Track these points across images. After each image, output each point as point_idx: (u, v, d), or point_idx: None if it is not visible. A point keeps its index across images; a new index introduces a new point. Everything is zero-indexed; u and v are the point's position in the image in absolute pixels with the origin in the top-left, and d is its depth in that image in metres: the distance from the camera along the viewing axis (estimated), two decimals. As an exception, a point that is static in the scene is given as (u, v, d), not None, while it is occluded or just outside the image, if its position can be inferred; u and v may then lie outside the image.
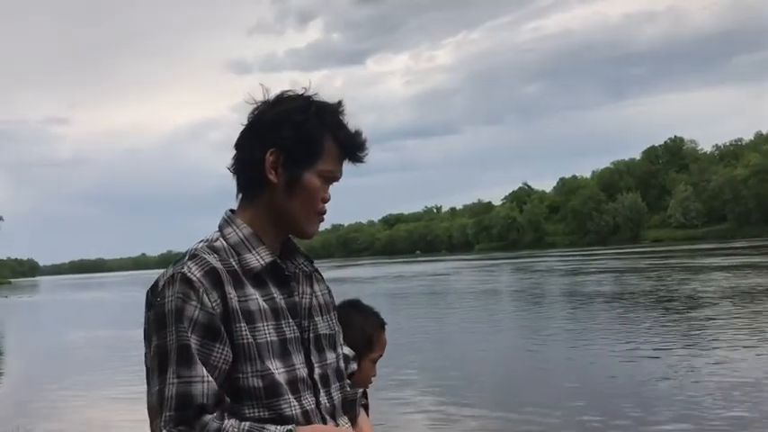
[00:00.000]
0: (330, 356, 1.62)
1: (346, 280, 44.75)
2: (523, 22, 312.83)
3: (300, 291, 1.60)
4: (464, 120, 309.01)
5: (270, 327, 1.50)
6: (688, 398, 8.79)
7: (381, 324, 2.24)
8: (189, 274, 1.45)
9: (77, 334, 22.63)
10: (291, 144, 1.53)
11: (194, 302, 1.43)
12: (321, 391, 1.57)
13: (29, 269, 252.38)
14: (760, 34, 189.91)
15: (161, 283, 1.48)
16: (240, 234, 1.55)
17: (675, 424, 7.76)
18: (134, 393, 11.45)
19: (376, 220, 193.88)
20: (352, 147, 1.59)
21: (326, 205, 1.61)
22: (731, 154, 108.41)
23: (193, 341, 1.42)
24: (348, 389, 1.71)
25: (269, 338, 1.49)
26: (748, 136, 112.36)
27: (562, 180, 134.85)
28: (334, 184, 1.63)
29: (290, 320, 1.54)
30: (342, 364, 1.68)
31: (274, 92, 1.61)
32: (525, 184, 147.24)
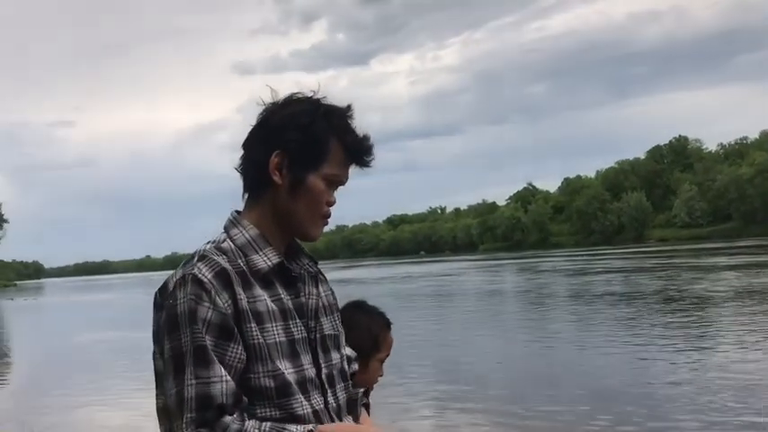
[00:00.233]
0: (335, 357, 1.64)
1: (352, 281, 44.74)
2: (527, 21, 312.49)
3: (307, 291, 1.61)
4: (468, 120, 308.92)
5: (278, 327, 1.51)
6: (698, 399, 8.71)
7: (387, 324, 2.23)
8: (200, 275, 1.45)
9: (83, 336, 22.67)
10: (297, 146, 1.54)
11: (207, 303, 1.43)
12: (328, 390, 1.58)
13: (34, 271, 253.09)
14: (763, 33, 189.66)
15: (171, 285, 1.48)
16: (247, 235, 1.56)
17: (684, 424, 7.71)
18: (140, 395, 11.45)
19: (380, 220, 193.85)
20: (359, 151, 1.59)
21: (331, 209, 1.62)
22: (736, 153, 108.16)
23: (208, 342, 1.42)
24: (351, 389, 1.71)
25: (278, 339, 1.50)
26: (753, 134, 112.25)
27: (566, 180, 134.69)
28: (340, 187, 1.63)
29: (298, 321, 1.55)
30: (346, 365, 1.69)
31: (284, 94, 1.61)
32: (530, 184, 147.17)
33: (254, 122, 1.61)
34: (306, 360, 1.54)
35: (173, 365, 1.44)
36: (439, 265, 66.94)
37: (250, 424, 1.41)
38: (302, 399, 1.50)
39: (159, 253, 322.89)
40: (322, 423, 1.52)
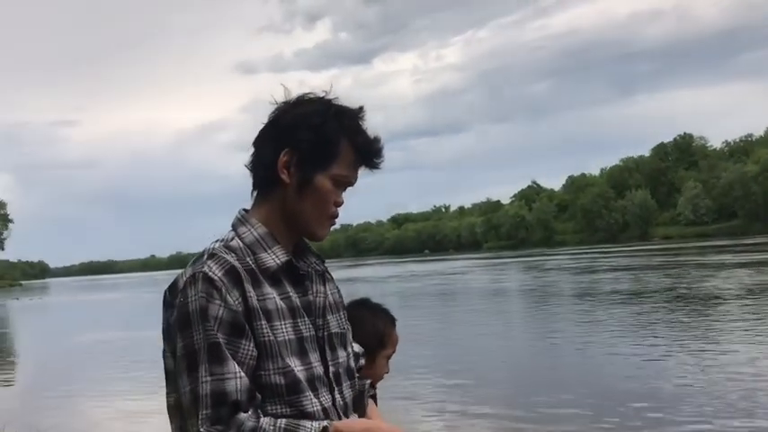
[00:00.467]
0: (342, 355, 1.65)
1: (357, 280, 44.72)
2: (530, 20, 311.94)
3: (314, 290, 1.62)
4: (472, 118, 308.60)
5: (288, 325, 1.52)
6: (705, 400, 8.67)
7: (392, 320, 2.24)
8: (210, 273, 1.46)
9: (89, 336, 22.71)
10: (306, 146, 1.55)
11: (218, 301, 1.44)
12: (336, 388, 1.59)
13: (39, 271, 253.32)
14: (767, 30, 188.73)
15: (181, 283, 1.49)
16: (255, 233, 1.57)
17: (692, 425, 7.66)
18: (146, 394, 11.46)
19: (384, 219, 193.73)
20: (369, 153, 1.60)
21: (339, 209, 1.62)
22: (741, 150, 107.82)
23: (221, 339, 1.43)
24: (358, 383, 1.73)
25: (287, 337, 1.51)
26: (758, 132, 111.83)
27: (571, 178, 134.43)
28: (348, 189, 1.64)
29: (306, 319, 1.56)
30: (352, 363, 1.70)
31: (296, 93, 1.62)
32: (534, 182, 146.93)
33: (258, 122, 1.61)
34: (314, 358, 1.55)
35: (186, 363, 1.45)
36: (443, 264, 66.92)
37: (265, 421, 1.42)
38: (312, 396, 1.51)
39: (164, 252, 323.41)
40: (332, 420, 1.53)
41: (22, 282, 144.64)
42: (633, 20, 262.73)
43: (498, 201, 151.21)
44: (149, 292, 56.54)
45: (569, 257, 58.62)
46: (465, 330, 17.66)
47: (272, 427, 1.41)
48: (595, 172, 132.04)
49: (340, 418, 1.57)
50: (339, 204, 1.61)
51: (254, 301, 1.48)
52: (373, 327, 2.15)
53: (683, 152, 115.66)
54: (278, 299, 1.53)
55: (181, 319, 1.46)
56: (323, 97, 1.60)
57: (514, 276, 39.95)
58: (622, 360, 11.63)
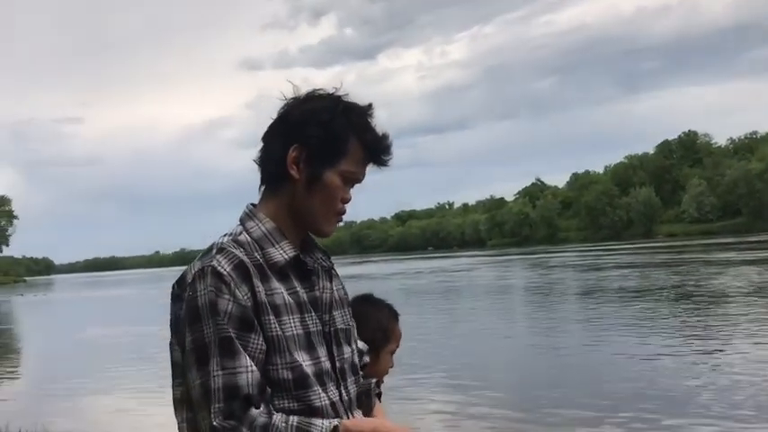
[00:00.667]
0: (347, 351, 1.66)
1: (362, 276, 44.69)
2: (536, 16, 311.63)
3: (321, 285, 1.62)
4: (477, 115, 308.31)
5: (295, 320, 1.53)
6: (711, 398, 8.64)
7: (395, 315, 2.25)
8: (219, 267, 1.47)
9: (93, 331, 22.75)
10: (315, 142, 1.55)
11: (227, 296, 1.45)
12: (342, 383, 1.60)
13: (44, 267, 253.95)
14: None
15: (190, 277, 1.50)
16: (263, 228, 1.58)
17: (698, 426, 7.63)
18: (150, 389, 11.49)
19: (388, 216, 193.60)
20: (378, 150, 1.61)
21: (346, 206, 1.63)
22: (746, 147, 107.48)
23: (232, 333, 1.44)
24: (362, 381, 1.75)
25: (295, 332, 1.52)
26: (763, 129, 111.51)
27: (575, 175, 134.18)
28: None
29: (313, 314, 1.57)
30: (356, 359, 1.71)
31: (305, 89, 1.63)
32: (538, 179, 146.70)
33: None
34: (322, 353, 1.56)
35: (196, 356, 1.45)
36: (448, 261, 66.89)
37: (277, 418, 1.42)
38: (320, 390, 1.52)
39: (168, 249, 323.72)
40: (339, 415, 1.54)
41: (27, 278, 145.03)
42: (639, 16, 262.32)
43: (502, 198, 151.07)
44: (154, 289, 56.68)
45: (574, 255, 58.53)
46: (468, 328, 17.65)
47: (284, 425, 1.42)
48: (600, 169, 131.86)
49: (346, 414, 1.58)
50: (347, 201, 1.62)
51: (262, 295, 1.49)
52: (377, 322, 2.15)
53: (688, 149, 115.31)
54: (286, 294, 1.53)
55: (190, 313, 1.47)
56: (332, 93, 1.60)
57: (519, 273, 39.92)
58: (627, 359, 11.57)
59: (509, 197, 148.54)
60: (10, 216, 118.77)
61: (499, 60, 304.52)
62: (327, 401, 1.53)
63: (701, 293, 20.22)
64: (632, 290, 23.10)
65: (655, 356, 11.53)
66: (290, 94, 1.62)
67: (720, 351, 11.63)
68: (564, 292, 25.95)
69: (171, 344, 1.54)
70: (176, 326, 1.52)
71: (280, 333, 1.49)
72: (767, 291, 19.53)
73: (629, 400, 8.79)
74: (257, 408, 1.42)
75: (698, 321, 15.16)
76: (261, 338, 1.47)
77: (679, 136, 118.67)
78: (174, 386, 1.54)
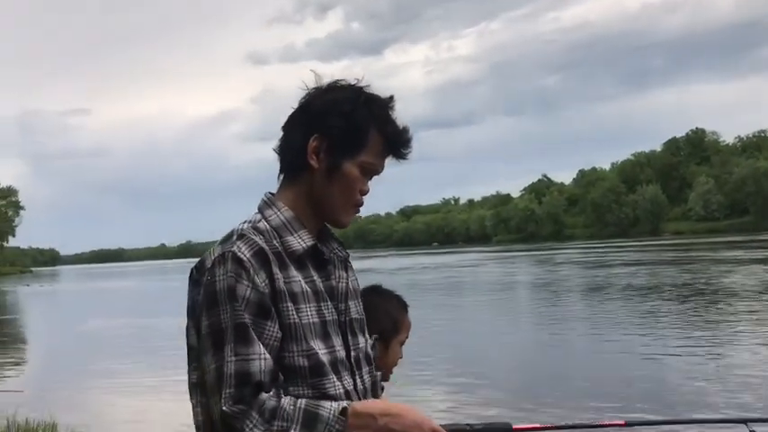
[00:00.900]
0: (361, 341, 1.66)
1: (368, 271, 44.72)
2: (543, 12, 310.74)
3: (337, 275, 1.63)
4: (483, 111, 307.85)
5: (312, 308, 1.54)
6: (717, 397, 8.56)
7: (404, 306, 2.25)
8: (239, 253, 1.47)
9: (98, 322, 22.78)
10: (336, 132, 1.56)
11: (246, 282, 1.46)
12: (356, 373, 1.61)
13: (50, 258, 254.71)
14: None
15: (209, 262, 1.50)
16: (282, 217, 1.58)
17: (704, 426, 7.53)
18: (155, 380, 11.45)
19: (393, 211, 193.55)
20: (398, 143, 1.61)
21: (364, 198, 1.63)
22: (754, 146, 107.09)
23: (248, 319, 1.45)
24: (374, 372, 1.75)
25: (312, 320, 1.53)
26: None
27: (581, 172, 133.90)
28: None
29: (329, 303, 1.58)
30: (370, 350, 1.72)
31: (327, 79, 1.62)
32: (544, 175, 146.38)
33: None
34: (337, 342, 1.57)
35: (212, 341, 1.46)
36: (453, 257, 66.81)
37: (286, 401, 1.43)
38: (335, 379, 1.53)
39: (173, 241, 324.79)
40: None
41: (33, 269, 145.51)
42: (646, 12, 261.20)
43: (508, 194, 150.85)
44: (158, 281, 56.83)
45: (580, 252, 58.41)
46: (474, 324, 17.59)
47: (292, 407, 1.42)
48: (606, 166, 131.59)
49: None
50: (365, 192, 1.62)
51: (280, 283, 1.49)
52: (386, 313, 2.14)
53: (696, 147, 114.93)
54: (303, 282, 1.54)
55: (208, 298, 1.47)
56: (354, 84, 1.61)
57: (526, 270, 39.83)
58: (632, 357, 11.46)
59: (515, 193, 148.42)
60: (17, 207, 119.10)
61: (506, 56, 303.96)
62: (342, 390, 1.53)
63: (708, 292, 20.10)
64: (639, 287, 22.99)
65: (661, 355, 11.42)
66: (311, 84, 1.62)
67: (727, 349, 11.53)
68: (571, 289, 25.86)
69: (188, 328, 1.54)
70: (194, 310, 1.52)
71: (297, 321, 1.50)
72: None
73: (634, 398, 8.70)
74: (267, 393, 1.43)
75: (705, 319, 15.07)
76: (276, 326, 1.48)
77: (687, 133, 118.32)
78: (189, 370, 1.54)
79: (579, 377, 10.34)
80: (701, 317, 15.47)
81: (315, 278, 1.57)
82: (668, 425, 6.96)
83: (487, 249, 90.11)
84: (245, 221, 1.59)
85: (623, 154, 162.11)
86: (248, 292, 1.45)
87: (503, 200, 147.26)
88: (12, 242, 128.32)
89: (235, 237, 1.52)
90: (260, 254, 1.49)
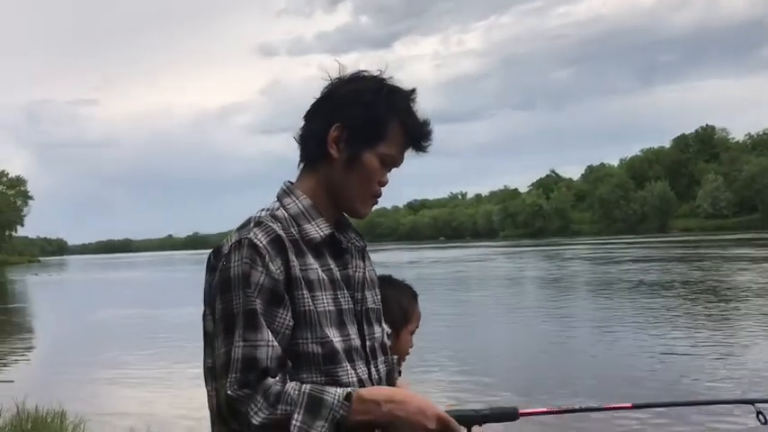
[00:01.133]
0: (377, 330, 1.67)
1: (377, 265, 44.68)
2: (553, 6, 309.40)
3: (354, 264, 1.64)
4: (492, 105, 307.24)
5: (328, 296, 1.54)
6: (725, 393, 8.47)
7: (414, 295, 2.27)
8: (255, 240, 1.48)
9: (106, 312, 22.85)
10: (357, 122, 1.56)
11: (260, 268, 1.46)
12: (372, 362, 1.62)
13: (57, 248, 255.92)
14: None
15: (226, 248, 1.51)
16: (300, 205, 1.59)
17: (711, 424, 7.48)
18: (161, 371, 11.46)
19: (400, 205, 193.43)
20: (418, 135, 1.62)
21: (382, 189, 1.64)
22: (764, 143, 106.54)
23: (259, 306, 1.45)
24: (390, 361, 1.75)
25: (327, 308, 1.53)
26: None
27: (590, 168, 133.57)
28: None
29: (345, 292, 1.58)
30: (386, 339, 1.72)
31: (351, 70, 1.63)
32: (552, 171, 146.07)
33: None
34: (352, 330, 1.57)
35: (223, 326, 1.47)
36: (460, 251, 66.78)
37: (290, 386, 1.43)
38: (348, 367, 1.53)
39: (181, 233, 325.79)
40: None
41: (41, 258, 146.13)
42: (657, 8, 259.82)
43: (516, 189, 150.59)
44: (166, 272, 56.97)
45: (587, 247, 58.27)
46: (482, 318, 17.55)
47: (296, 392, 1.42)
48: (615, 162, 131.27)
49: None
50: (383, 184, 1.63)
51: (296, 270, 1.50)
52: (397, 303, 2.14)
53: (705, 144, 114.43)
54: (320, 270, 1.54)
55: (222, 283, 1.48)
56: (377, 76, 1.61)
57: (534, 265, 39.74)
58: (639, 354, 11.33)
59: (523, 188, 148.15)
60: (25, 197, 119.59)
61: (515, 50, 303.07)
62: (355, 378, 1.54)
63: (716, 289, 20.01)
64: (647, 283, 22.90)
65: (669, 352, 11.31)
66: (334, 74, 1.62)
67: (736, 346, 11.45)
68: (579, 284, 25.80)
69: (204, 314, 1.54)
70: (209, 296, 1.53)
71: (312, 308, 1.50)
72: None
73: (640, 396, 8.61)
74: (273, 378, 1.44)
75: (713, 316, 14.97)
76: (289, 314, 1.48)
77: (696, 130, 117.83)
78: (205, 356, 1.55)
79: (585, 371, 10.30)
80: (710, 313, 15.38)
81: (332, 267, 1.57)
82: (675, 407, 6.98)
83: (495, 244, 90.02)
84: (263, 209, 1.60)
85: (632, 150, 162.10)
86: (262, 278, 1.46)
87: (510, 195, 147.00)
88: (20, 232, 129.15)
89: (252, 224, 1.53)
90: (276, 241, 1.49)
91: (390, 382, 1.70)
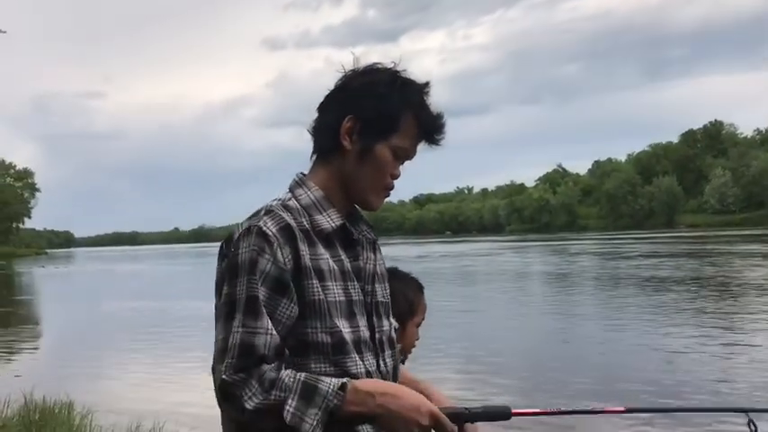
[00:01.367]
0: (386, 324, 1.67)
1: (385, 259, 44.61)
2: (561, 1, 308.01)
3: (365, 256, 1.64)
4: (499, 100, 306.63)
5: (338, 287, 1.54)
6: (732, 395, 8.41)
7: (420, 288, 2.26)
8: (265, 228, 1.48)
9: (113, 304, 22.91)
10: (371, 114, 1.57)
11: (268, 256, 1.46)
12: (380, 354, 1.62)
13: (64, 240, 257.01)
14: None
15: (236, 236, 1.51)
16: (312, 196, 1.59)
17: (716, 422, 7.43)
18: (167, 363, 11.48)
19: (407, 199, 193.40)
20: (431, 128, 1.62)
21: (395, 182, 1.64)
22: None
23: (262, 293, 1.45)
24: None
25: (337, 298, 1.53)
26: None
27: (597, 163, 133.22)
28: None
29: (355, 283, 1.58)
30: (394, 333, 1.72)
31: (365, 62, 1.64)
32: (559, 166, 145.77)
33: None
34: (362, 322, 1.57)
35: (225, 311, 1.48)
36: (467, 246, 66.69)
37: (286, 373, 1.43)
38: (357, 358, 1.53)
39: (187, 225, 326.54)
40: None
41: (48, 250, 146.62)
42: (666, 2, 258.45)
43: (522, 184, 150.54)
44: (171, 265, 57.10)
45: (594, 243, 58.12)
46: (488, 313, 17.51)
47: (291, 379, 1.43)
48: (622, 157, 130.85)
49: None
50: (396, 177, 1.63)
51: (306, 259, 1.50)
52: (403, 295, 2.14)
53: (713, 139, 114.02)
54: (331, 260, 1.54)
55: (230, 269, 1.49)
56: (391, 68, 1.61)
57: (541, 260, 39.65)
58: (646, 349, 11.24)
59: (529, 183, 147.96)
60: (32, 189, 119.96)
61: (522, 45, 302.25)
62: (363, 369, 1.54)
63: (724, 285, 19.93)
64: (654, 279, 22.81)
65: (672, 352, 11.19)
66: (349, 66, 1.62)
67: (741, 344, 11.39)
68: (586, 280, 25.72)
69: (216, 303, 1.54)
70: (219, 284, 1.53)
71: (322, 297, 1.50)
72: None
73: (646, 393, 8.55)
74: (269, 365, 1.44)
75: (720, 313, 14.90)
76: (293, 304, 1.48)
77: (704, 125, 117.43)
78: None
79: (586, 370, 10.22)
80: (716, 312, 15.29)
81: (342, 258, 1.57)
82: (667, 412, 6.95)
83: (501, 239, 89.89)
84: (274, 199, 1.60)
85: (639, 145, 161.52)
86: (269, 266, 1.46)
87: (517, 189, 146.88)
88: (27, 224, 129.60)
89: (263, 212, 1.53)
90: (286, 229, 1.49)
91: (396, 376, 1.69)
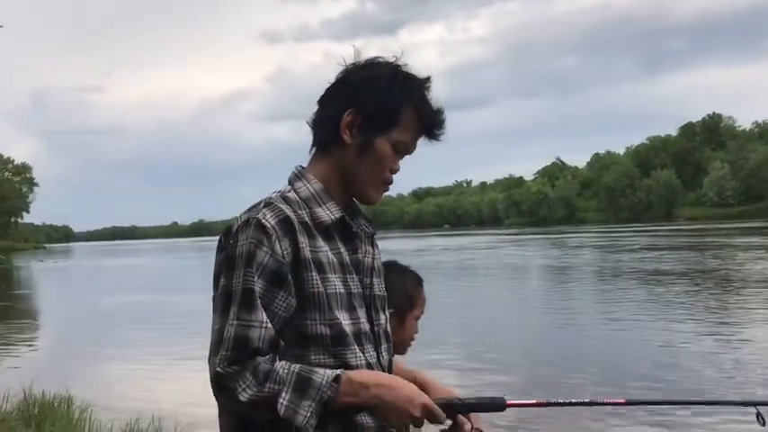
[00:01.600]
0: (382, 317, 1.67)
1: (384, 252, 44.58)
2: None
3: (363, 249, 1.64)
4: (497, 93, 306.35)
5: (338, 279, 1.54)
6: (732, 391, 8.40)
7: (419, 281, 2.25)
8: (263, 220, 1.48)
9: (111, 298, 22.90)
10: (371, 108, 1.57)
11: (266, 248, 1.46)
12: (379, 347, 1.63)
13: (63, 235, 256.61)
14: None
15: (235, 228, 1.52)
16: (311, 189, 1.59)
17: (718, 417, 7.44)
18: (166, 357, 11.47)
19: (405, 193, 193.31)
20: (432, 123, 1.62)
21: (394, 176, 1.65)
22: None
23: (258, 286, 1.45)
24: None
25: (337, 290, 1.53)
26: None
27: (596, 156, 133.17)
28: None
29: (354, 276, 1.59)
30: (389, 328, 1.72)
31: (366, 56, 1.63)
32: (558, 159, 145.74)
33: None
34: (362, 314, 1.58)
35: (221, 302, 1.48)
36: (465, 239, 66.68)
37: (280, 364, 1.44)
38: (357, 350, 1.54)
39: (186, 220, 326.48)
40: None
41: (46, 245, 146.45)
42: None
43: (521, 177, 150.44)
44: (171, 259, 57.10)
45: (593, 236, 58.14)
46: (486, 306, 17.53)
47: (285, 371, 1.43)
48: (621, 150, 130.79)
49: None
50: (395, 171, 1.63)
51: (306, 251, 1.50)
52: (402, 288, 2.14)
53: (711, 132, 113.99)
54: (330, 253, 1.54)
55: (227, 261, 1.49)
56: (392, 62, 1.61)
57: (542, 253, 39.67)
58: (644, 347, 11.17)
59: (528, 176, 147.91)
60: (31, 183, 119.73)
61: (521, 37, 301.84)
62: (363, 361, 1.54)
63: (722, 278, 19.95)
64: (653, 272, 22.82)
65: (672, 345, 11.20)
66: (350, 59, 1.62)
67: (740, 336, 11.41)
68: (586, 273, 25.73)
69: (214, 294, 1.54)
70: (217, 275, 1.53)
71: (321, 289, 1.50)
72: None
73: (645, 387, 8.55)
74: (263, 357, 1.44)
75: (719, 305, 14.95)
76: (290, 297, 1.48)
77: (703, 118, 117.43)
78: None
79: (589, 361, 10.24)
80: (716, 304, 15.33)
81: (341, 250, 1.58)
82: (671, 405, 6.91)
83: (500, 232, 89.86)
84: (274, 191, 1.60)
85: (638, 138, 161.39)
86: (266, 258, 1.46)
87: (515, 183, 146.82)
88: (26, 218, 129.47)
89: (262, 204, 1.53)
90: (285, 222, 1.49)
91: (392, 369, 1.70)
